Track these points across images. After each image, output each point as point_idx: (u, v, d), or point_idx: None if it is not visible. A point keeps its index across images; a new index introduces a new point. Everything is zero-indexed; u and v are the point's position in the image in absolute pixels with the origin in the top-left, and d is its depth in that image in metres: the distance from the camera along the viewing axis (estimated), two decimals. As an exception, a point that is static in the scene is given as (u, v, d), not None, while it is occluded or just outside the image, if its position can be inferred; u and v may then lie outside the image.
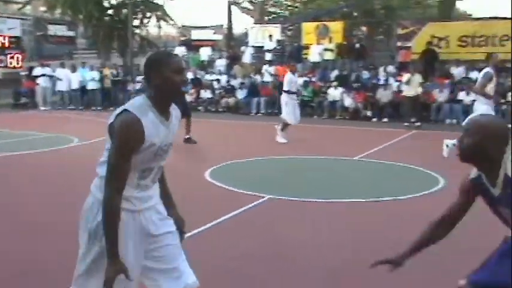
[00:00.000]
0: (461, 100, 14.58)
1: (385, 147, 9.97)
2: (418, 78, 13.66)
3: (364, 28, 21.67)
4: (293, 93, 10.93)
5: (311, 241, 4.79)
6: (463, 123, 2.35)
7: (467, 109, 14.33)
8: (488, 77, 7.87)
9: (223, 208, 5.73)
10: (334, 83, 16.48)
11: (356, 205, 6.02)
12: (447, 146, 8.59)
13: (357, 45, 18.51)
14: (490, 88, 7.89)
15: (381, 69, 16.95)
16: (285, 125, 10.81)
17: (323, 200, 6.18)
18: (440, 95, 14.88)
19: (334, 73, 17.42)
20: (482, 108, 7.86)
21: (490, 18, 18.61)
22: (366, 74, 17.06)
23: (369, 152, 9.50)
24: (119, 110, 2.29)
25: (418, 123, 13.45)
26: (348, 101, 15.80)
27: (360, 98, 15.68)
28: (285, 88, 10.92)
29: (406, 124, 13.50)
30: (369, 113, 15.52)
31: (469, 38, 17.38)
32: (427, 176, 7.39)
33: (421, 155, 9.19)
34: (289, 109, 10.75)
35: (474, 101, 14.22)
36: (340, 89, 16.11)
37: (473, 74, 15.68)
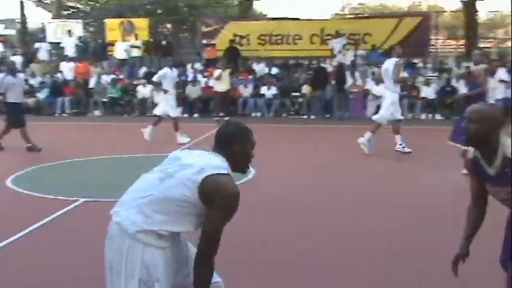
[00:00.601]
0: (264, 94, 15.66)
1: (198, 142, 10.18)
2: (228, 74, 14.25)
3: (169, 25, 21.81)
4: (166, 91, 10.48)
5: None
6: (466, 112, 2.55)
7: (270, 102, 15.50)
8: (399, 66, 8.76)
9: (30, 217, 5.25)
10: (143, 81, 16.29)
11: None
12: (363, 144, 8.89)
13: (164, 42, 18.54)
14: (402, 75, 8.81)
15: (189, 66, 17.27)
16: (158, 121, 10.48)
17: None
18: (245, 90, 15.76)
19: (143, 70, 17.22)
20: (392, 95, 8.75)
21: (283, 18, 20.25)
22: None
23: (184, 147, 9.61)
24: (219, 168, 2.29)
25: (227, 118, 14.03)
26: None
27: (170, 95, 15.74)
28: (154, 79, 10.56)
29: (216, 119, 13.97)
30: (179, 109, 15.68)
31: (267, 36, 18.70)
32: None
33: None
34: (170, 103, 10.42)
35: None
36: (150, 86, 15.96)
37: (274, 70, 17.01)
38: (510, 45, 18.75)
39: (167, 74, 10.50)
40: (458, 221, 2.86)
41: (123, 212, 2.30)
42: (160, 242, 2.26)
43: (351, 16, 28.73)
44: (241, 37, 18.52)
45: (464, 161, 2.72)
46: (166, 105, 10.37)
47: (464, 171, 7.68)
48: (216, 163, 2.31)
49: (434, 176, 7.34)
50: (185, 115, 15.26)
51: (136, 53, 18.13)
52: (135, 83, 16.63)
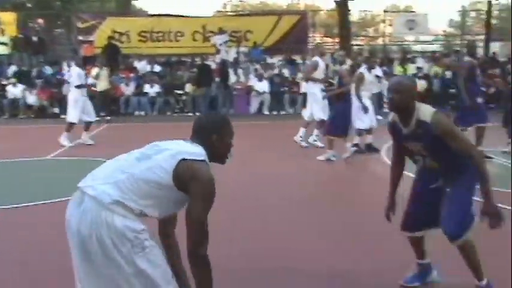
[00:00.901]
0: (147, 93, 15.25)
1: (79, 143, 9.63)
2: (106, 72, 13.65)
3: (40, 20, 20.38)
4: (84, 86, 9.72)
5: (15, 250, 4.27)
6: (389, 84, 3.14)
7: (154, 101, 15.13)
8: (313, 65, 8.87)
9: None
10: (13, 80, 15.08)
11: (57, 205, 5.63)
12: (300, 137, 9.03)
13: (35, 39, 17.28)
14: (318, 74, 8.73)
15: (64, 64, 16.29)
16: (70, 126, 9.60)
17: (21, 205, 5.60)
18: (127, 89, 15.24)
19: (12, 69, 15.92)
20: (315, 90, 8.82)
21: (164, 15, 19.86)
22: (48, 69, 16.15)
23: (62, 149, 9.04)
24: (196, 154, 2.29)
25: (109, 117, 13.48)
26: (32, 99, 14.71)
27: (45, 95, 14.77)
28: (76, 83, 9.62)
29: (97, 118, 13.32)
30: (56, 110, 14.76)
31: (148, 33, 18.23)
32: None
33: (116, 148, 9.23)
34: (77, 106, 9.55)
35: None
36: (21, 86, 14.85)
37: (156, 68, 16.61)
38: (381, 42, 20.40)
39: (81, 74, 9.86)
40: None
41: (99, 186, 2.26)
42: (135, 217, 2.26)
43: (232, 13, 29.02)
44: (121, 34, 17.85)
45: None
46: (84, 110, 9.66)
47: (320, 157, 8.26)
48: (193, 150, 2.33)
49: (315, 166, 7.67)
50: (63, 116, 14.36)
51: (3, 50, 16.71)
52: (3, 83, 15.34)
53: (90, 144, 9.57)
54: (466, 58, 8.33)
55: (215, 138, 2.41)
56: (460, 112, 7.97)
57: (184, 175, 2.25)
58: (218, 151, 2.43)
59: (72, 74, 9.90)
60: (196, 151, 2.32)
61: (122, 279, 2.23)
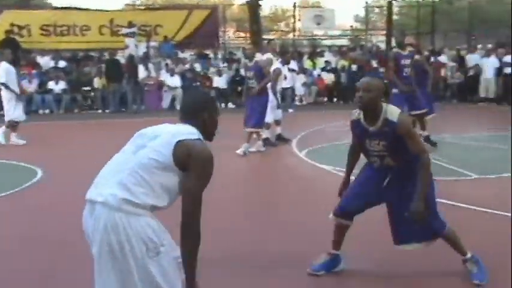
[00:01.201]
0: (52, 89, 14.52)
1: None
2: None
3: None
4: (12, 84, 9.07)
5: None
6: (358, 83, 3.25)
7: (59, 98, 14.42)
8: (268, 61, 8.57)
9: None
10: None
11: None
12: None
13: None
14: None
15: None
16: (13, 125, 9.08)
17: None
18: (30, 86, 14.40)
19: None
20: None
21: (69, 8, 18.97)
22: None
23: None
24: (190, 133, 2.31)
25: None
26: None
27: None
28: (2, 80, 8.96)
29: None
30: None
31: (51, 27, 17.34)
32: (24, 169, 7.06)
33: (14, 149, 8.73)
34: (12, 104, 9.05)
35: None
36: None
37: (61, 63, 15.83)
38: (292, 36, 21.00)
39: (10, 70, 9.07)
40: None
41: (105, 190, 2.23)
42: (147, 212, 2.24)
43: (142, 7, 28.30)
44: (20, 27, 16.83)
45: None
46: (16, 109, 9.13)
47: (238, 151, 8.28)
48: (185, 130, 2.34)
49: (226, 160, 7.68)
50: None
51: None
52: None
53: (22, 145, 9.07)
54: (394, 50, 8.61)
55: (206, 116, 2.43)
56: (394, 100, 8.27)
57: (183, 155, 2.26)
58: (208, 129, 2.46)
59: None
60: (189, 131, 2.34)
61: (132, 284, 2.19)
